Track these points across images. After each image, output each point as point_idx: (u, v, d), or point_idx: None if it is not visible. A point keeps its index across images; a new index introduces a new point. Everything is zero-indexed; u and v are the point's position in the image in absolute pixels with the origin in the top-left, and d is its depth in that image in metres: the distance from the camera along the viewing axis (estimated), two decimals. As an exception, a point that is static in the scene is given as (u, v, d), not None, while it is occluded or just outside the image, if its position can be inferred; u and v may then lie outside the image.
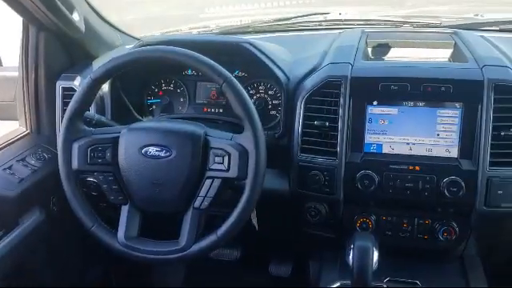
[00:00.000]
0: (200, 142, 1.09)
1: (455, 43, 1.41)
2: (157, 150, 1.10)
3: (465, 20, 1.72)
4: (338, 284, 1.22)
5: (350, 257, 1.07)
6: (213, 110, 1.52)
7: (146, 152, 1.10)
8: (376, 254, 1.07)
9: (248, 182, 1.07)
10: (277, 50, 1.46)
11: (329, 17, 1.82)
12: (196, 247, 1.09)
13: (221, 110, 1.51)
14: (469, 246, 1.28)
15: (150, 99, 1.57)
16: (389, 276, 1.21)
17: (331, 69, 1.28)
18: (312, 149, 1.26)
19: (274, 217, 1.46)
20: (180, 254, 1.09)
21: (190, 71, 1.53)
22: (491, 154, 1.15)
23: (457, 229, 1.22)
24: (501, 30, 1.65)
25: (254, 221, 1.34)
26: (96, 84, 1.14)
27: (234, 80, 1.08)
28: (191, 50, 1.11)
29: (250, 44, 1.36)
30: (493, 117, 1.15)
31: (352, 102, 1.23)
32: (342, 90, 1.23)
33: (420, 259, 1.29)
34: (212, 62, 1.09)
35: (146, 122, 1.29)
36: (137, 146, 1.11)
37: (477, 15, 1.76)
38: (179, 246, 1.09)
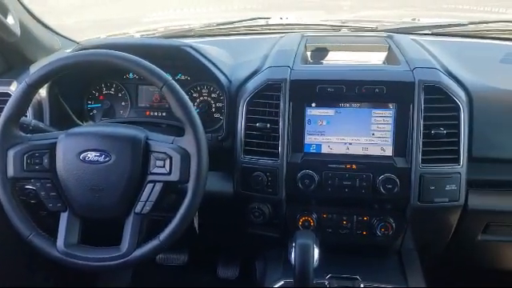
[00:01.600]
0: (140, 146, 1.08)
1: (389, 46, 1.48)
2: (95, 155, 1.08)
3: (400, 24, 1.80)
4: (281, 283, 1.24)
5: (292, 255, 1.10)
6: (156, 114, 1.51)
7: (85, 157, 1.08)
8: (317, 251, 1.10)
9: (190, 185, 1.07)
10: (218, 54, 1.47)
11: (270, 21, 1.86)
12: (138, 253, 1.08)
13: (164, 114, 1.50)
14: (406, 241, 1.33)
15: (91, 104, 1.54)
16: (330, 272, 1.24)
17: (271, 72, 1.31)
18: (254, 150, 1.28)
19: (219, 219, 1.47)
20: (121, 260, 1.07)
21: (131, 75, 1.52)
22: (423, 151, 1.21)
23: (393, 224, 1.27)
24: (433, 34, 1.73)
25: (196, 224, 1.34)
26: (31, 89, 1.11)
27: (174, 83, 1.08)
28: (132, 53, 1.11)
29: (191, 47, 1.37)
30: (423, 116, 1.21)
31: (292, 105, 1.26)
32: (282, 92, 1.26)
33: (360, 255, 1.33)
34: (151, 65, 1.09)
35: (85, 127, 1.27)
36: (75, 151, 1.09)
37: (414, 19, 1.85)
38: (120, 252, 1.08)
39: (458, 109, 1.21)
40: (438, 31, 1.74)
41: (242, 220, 1.36)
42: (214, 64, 1.37)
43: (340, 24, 1.81)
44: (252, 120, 1.28)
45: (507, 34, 1.68)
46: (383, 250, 1.35)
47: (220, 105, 1.46)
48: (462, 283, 1.67)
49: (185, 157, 1.07)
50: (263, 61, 1.41)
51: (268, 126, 1.26)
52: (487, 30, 1.71)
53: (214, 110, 1.48)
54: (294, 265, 1.08)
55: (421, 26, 1.78)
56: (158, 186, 1.08)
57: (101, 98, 1.53)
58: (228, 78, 1.38)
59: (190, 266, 1.89)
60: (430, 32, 1.74)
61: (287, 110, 1.25)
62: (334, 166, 1.25)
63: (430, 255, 1.40)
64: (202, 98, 1.48)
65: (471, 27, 1.73)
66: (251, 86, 1.30)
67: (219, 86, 1.39)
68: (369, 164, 1.23)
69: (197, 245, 1.79)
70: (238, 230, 1.43)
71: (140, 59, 1.09)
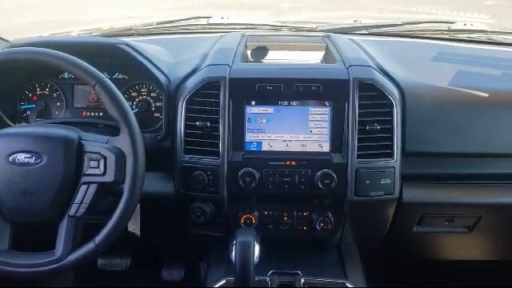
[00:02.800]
0: (73, 146, 1.05)
1: (327, 46, 1.51)
2: (26, 157, 1.04)
3: (338, 25, 1.85)
4: (223, 282, 1.23)
5: (233, 253, 1.10)
6: (93, 114, 1.47)
7: (14, 159, 1.04)
8: (257, 248, 1.10)
9: (126, 186, 1.05)
10: (157, 52, 1.45)
11: (211, 20, 1.86)
12: (72, 257, 1.04)
13: (101, 114, 1.46)
14: (345, 235, 1.36)
15: (24, 105, 1.47)
16: (272, 268, 1.25)
17: (210, 70, 1.30)
18: (195, 149, 1.27)
19: (161, 221, 1.45)
20: (55, 265, 1.04)
21: (66, 74, 1.47)
22: (358, 147, 1.24)
23: (332, 219, 1.30)
24: (370, 34, 1.79)
25: (137, 228, 1.32)
26: None
27: (107, 81, 1.05)
28: (66, 51, 1.07)
29: (127, 45, 1.34)
30: (358, 113, 1.24)
31: (231, 103, 1.26)
32: (222, 90, 1.25)
33: (301, 250, 1.35)
34: (83, 62, 1.06)
35: (15, 128, 1.21)
36: (4, 153, 1.04)
37: (356, 21, 1.90)
38: (54, 256, 1.04)
39: (391, 105, 1.25)
40: (374, 31, 1.80)
41: (183, 220, 1.34)
42: (151, 62, 1.35)
43: (280, 24, 1.84)
44: (192, 119, 1.27)
45: (438, 33, 1.77)
46: (323, 244, 1.38)
47: (160, 104, 1.44)
48: (400, 275, 1.73)
49: (120, 157, 1.04)
50: (203, 59, 1.40)
51: (208, 124, 1.25)
52: (420, 30, 1.79)
53: (153, 109, 1.45)
54: (235, 263, 1.08)
55: (358, 26, 1.83)
56: (93, 188, 1.05)
57: (34, 98, 1.47)
58: (167, 77, 1.36)
59: (133, 270, 1.85)
60: (367, 32, 1.80)
61: (227, 108, 1.25)
62: (274, 163, 1.26)
63: (368, 248, 1.44)
64: (140, 98, 1.45)
65: (405, 27, 1.81)
66: (190, 84, 1.29)
67: (158, 84, 1.37)
68: (307, 160, 1.26)
69: (139, 248, 1.75)
70: (180, 231, 1.42)
71: (72, 57, 1.06)
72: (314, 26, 1.82)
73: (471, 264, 1.67)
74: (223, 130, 1.25)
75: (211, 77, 1.27)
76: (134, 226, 1.36)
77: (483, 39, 1.73)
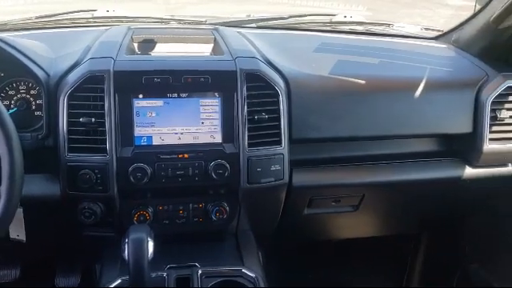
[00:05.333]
0: None
1: (215, 38, 1.52)
2: None
3: (228, 18, 1.87)
4: (118, 281, 1.20)
5: (126, 251, 1.07)
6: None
7: None
8: (151, 245, 1.08)
9: (3, 190, 0.97)
10: (34, 46, 1.36)
11: (96, 14, 1.78)
12: None
13: None
14: (241, 222, 1.39)
15: None
16: (169, 263, 1.25)
17: (92, 64, 1.25)
18: (80, 147, 1.22)
19: (49, 224, 1.37)
20: None
21: None
22: (249, 136, 1.27)
23: (227, 208, 1.32)
24: (258, 27, 1.83)
25: (21, 234, 1.23)
26: None
27: None
28: None
29: (1, 40, 1.24)
30: (247, 103, 1.27)
31: (117, 97, 1.22)
32: (106, 84, 1.21)
33: (199, 242, 1.36)
34: None
35: None
36: None
37: (249, 16, 1.93)
38: None
39: (277, 95, 1.30)
40: (262, 25, 1.85)
41: (72, 223, 1.28)
42: (28, 57, 1.26)
43: (169, 17, 1.81)
44: (75, 115, 1.21)
45: (321, 26, 1.86)
46: (220, 233, 1.40)
47: (40, 102, 1.35)
48: (295, 256, 1.82)
49: None
50: (85, 53, 1.34)
51: (93, 120, 1.20)
52: (304, 23, 1.87)
53: (34, 107, 1.36)
54: (128, 261, 1.06)
55: (246, 20, 1.87)
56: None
57: None
58: (46, 72, 1.28)
59: (23, 280, 1.73)
60: (255, 25, 1.84)
61: (113, 102, 1.21)
62: (167, 156, 1.25)
63: (264, 233, 1.49)
64: (19, 96, 1.35)
65: (291, 20, 1.87)
66: (71, 78, 1.23)
67: (36, 80, 1.28)
68: (200, 152, 1.26)
69: (29, 256, 1.63)
70: (70, 234, 1.35)
71: None
72: (204, 19, 1.82)
73: (359, 241, 1.80)
74: (110, 125, 1.21)
75: (94, 70, 1.22)
76: (17, 233, 1.27)
77: (362, 30, 1.85)
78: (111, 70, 1.22)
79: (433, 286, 1.96)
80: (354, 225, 1.71)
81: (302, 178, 1.39)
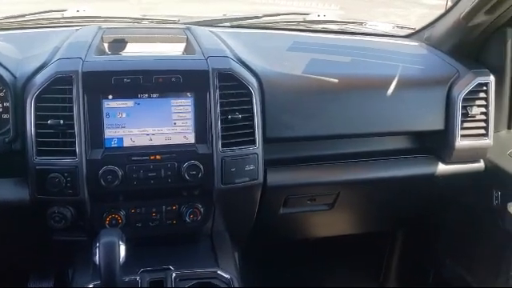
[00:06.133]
0: None
1: (187, 38, 1.50)
2: None
3: (201, 18, 1.85)
4: (90, 286, 1.17)
5: (97, 256, 1.04)
6: None
7: None
8: (123, 248, 1.06)
9: None
10: (0, 48, 1.32)
11: (66, 14, 1.74)
12: None
13: None
14: (216, 223, 1.38)
15: None
16: (143, 267, 1.22)
17: (60, 64, 1.22)
18: (49, 150, 1.19)
19: (18, 230, 1.33)
20: None
21: None
22: (222, 136, 1.25)
23: (202, 209, 1.30)
24: (232, 26, 1.82)
25: None
26: None
27: None
28: None
29: None
30: (220, 102, 1.25)
31: (86, 98, 1.20)
32: (74, 85, 1.18)
33: (173, 244, 1.34)
34: None
35: None
36: None
37: (224, 15, 1.92)
38: None
39: (250, 94, 1.28)
40: (236, 24, 1.84)
41: (43, 227, 1.25)
42: None
43: (141, 17, 1.79)
44: (42, 117, 1.18)
45: (295, 25, 1.86)
46: (195, 235, 1.38)
47: (7, 104, 1.31)
48: (271, 257, 1.81)
49: None
50: (53, 54, 1.31)
51: (61, 122, 1.18)
52: (278, 22, 1.86)
53: (1, 110, 1.32)
54: (99, 265, 1.03)
55: (220, 19, 1.85)
56: None
57: None
58: (12, 73, 1.25)
59: None
60: (229, 25, 1.83)
61: (81, 104, 1.19)
62: (138, 158, 1.22)
63: (240, 234, 1.47)
64: None
65: (265, 19, 1.87)
66: (39, 80, 1.20)
67: (2, 82, 1.25)
68: (172, 153, 1.24)
69: (0, 261, 1.59)
70: (41, 239, 1.31)
71: None
72: (176, 18, 1.80)
73: (336, 239, 1.80)
74: (79, 127, 1.18)
75: (62, 71, 1.19)
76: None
77: (335, 29, 1.86)
78: (80, 70, 1.20)
79: (409, 281, 1.98)
80: (329, 223, 1.71)
81: (277, 178, 1.38)
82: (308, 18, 1.89)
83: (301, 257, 1.92)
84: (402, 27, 1.92)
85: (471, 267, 1.69)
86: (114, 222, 1.26)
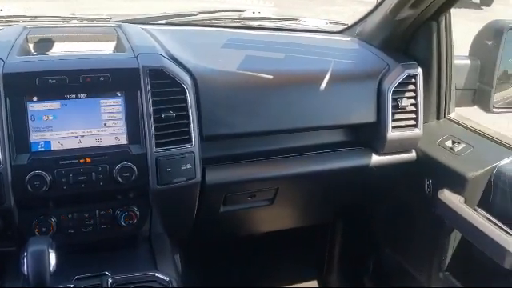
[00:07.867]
0: None
1: (118, 35, 1.46)
2: None
3: (134, 15, 1.81)
4: (19, 298, 1.12)
5: (25, 265, 0.99)
6: None
7: None
8: (53, 256, 1.01)
9: None
10: None
11: (-8, 14, 1.65)
12: None
13: None
14: (154, 226, 1.34)
15: None
16: (77, 274, 1.18)
17: None
18: None
19: None
20: None
21: None
22: (156, 135, 1.22)
23: (137, 212, 1.27)
24: (167, 24, 1.79)
25: None
26: None
27: None
28: None
29: None
30: (152, 101, 1.22)
31: (9, 101, 1.14)
32: None
33: (111, 250, 1.30)
34: None
35: None
36: None
37: (164, 12, 1.87)
38: None
39: (183, 92, 1.26)
40: (171, 21, 1.81)
41: None
42: None
43: (70, 15, 1.72)
44: None
45: (230, 21, 1.86)
46: (132, 239, 1.34)
47: None
48: (216, 254, 1.80)
49: None
50: None
51: None
52: (214, 19, 1.85)
53: None
54: (28, 275, 0.98)
55: (154, 16, 1.81)
56: None
57: None
58: None
59: None
60: (164, 22, 1.80)
61: (4, 107, 1.13)
62: (67, 162, 1.17)
63: (180, 235, 1.45)
64: None
65: (201, 16, 1.85)
66: None
67: None
68: (104, 155, 1.20)
69: None
70: None
71: None
72: (108, 17, 1.75)
73: (279, 234, 1.81)
74: (1, 131, 1.12)
75: None
76: None
77: (270, 26, 1.87)
78: (0, 72, 1.13)
79: (350, 272, 2.03)
80: (271, 218, 1.72)
81: (216, 176, 1.37)
82: (243, 14, 1.90)
83: (245, 253, 1.91)
84: (336, 23, 1.96)
85: (408, 254, 1.75)
86: (44, 229, 1.20)
